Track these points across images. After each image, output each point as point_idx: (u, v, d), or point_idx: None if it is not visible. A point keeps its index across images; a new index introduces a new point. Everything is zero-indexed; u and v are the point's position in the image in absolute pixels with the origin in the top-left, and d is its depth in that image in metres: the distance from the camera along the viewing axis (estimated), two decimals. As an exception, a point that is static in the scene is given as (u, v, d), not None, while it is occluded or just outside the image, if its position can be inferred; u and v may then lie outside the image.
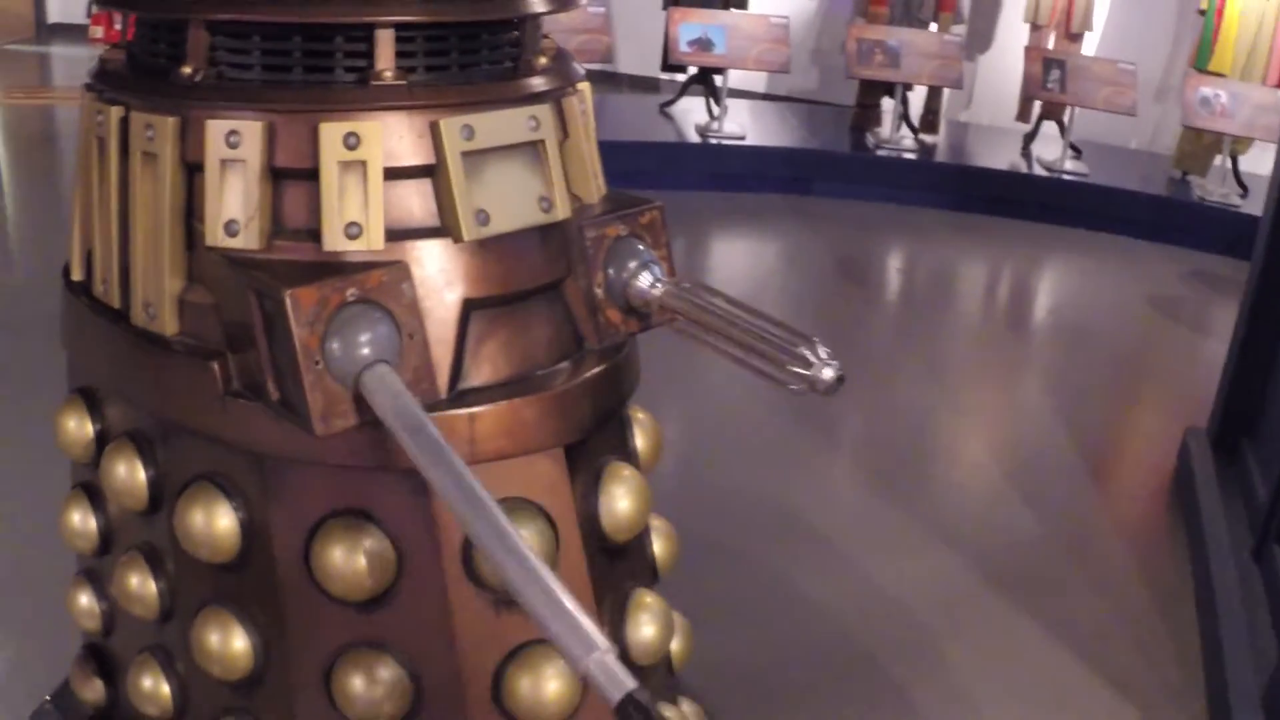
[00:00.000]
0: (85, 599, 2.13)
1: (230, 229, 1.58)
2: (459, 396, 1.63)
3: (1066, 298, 7.01)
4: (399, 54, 1.60)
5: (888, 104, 8.55)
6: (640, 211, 1.87)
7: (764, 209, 7.83)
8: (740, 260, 7.27)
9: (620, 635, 1.83)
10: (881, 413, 4.99)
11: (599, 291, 1.81)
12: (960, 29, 8.68)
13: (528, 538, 1.63)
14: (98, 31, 10.36)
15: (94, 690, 2.21)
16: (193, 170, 1.60)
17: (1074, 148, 7.98)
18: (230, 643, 1.74)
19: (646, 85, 10.61)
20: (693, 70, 8.90)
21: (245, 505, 1.69)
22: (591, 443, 1.80)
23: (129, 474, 1.82)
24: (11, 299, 5.51)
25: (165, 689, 1.93)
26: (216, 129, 1.55)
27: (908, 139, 8.37)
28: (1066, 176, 7.82)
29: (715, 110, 8.62)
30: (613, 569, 1.83)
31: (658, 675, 1.97)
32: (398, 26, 1.57)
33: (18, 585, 3.12)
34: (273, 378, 1.54)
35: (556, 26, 8.18)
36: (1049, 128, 8.24)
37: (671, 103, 9.09)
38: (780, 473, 4.26)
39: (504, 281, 1.66)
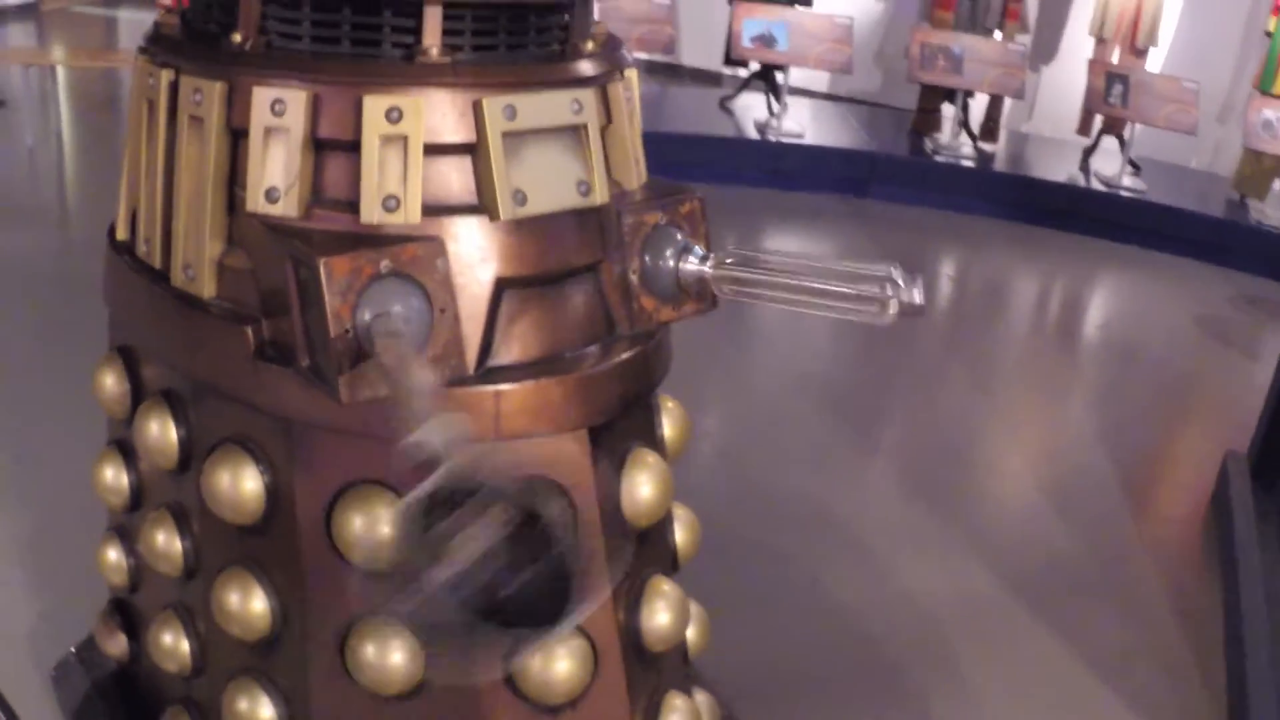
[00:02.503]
0: (114, 554, 2.17)
1: (271, 196, 1.60)
2: (487, 374, 1.64)
3: (1116, 314, 6.94)
4: (446, 32, 1.61)
5: (949, 110, 8.49)
6: (680, 200, 1.88)
7: (819, 209, 7.80)
8: (790, 259, 7.25)
9: (635, 620, 1.84)
10: (924, 420, 4.97)
11: (634, 278, 1.82)
12: (1025, 38, 8.59)
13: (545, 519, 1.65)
14: (166, -5, 10.47)
15: (117, 644, 2.25)
16: (237, 136, 1.62)
17: (1133, 164, 7.90)
18: (250, 603, 1.77)
19: (709, 79, 10.59)
20: (755, 66, 8.88)
21: (271, 469, 1.72)
22: (618, 427, 1.81)
23: (161, 432, 1.85)
24: (67, 257, 5.60)
25: (185, 646, 1.96)
26: (262, 96, 1.57)
27: (966, 146, 8.31)
28: (1124, 193, 7.73)
29: (775, 107, 8.60)
30: (630, 552, 1.84)
31: (671, 662, 1.98)
32: (446, 4, 1.59)
33: (52, 538, 3.16)
34: (304, 344, 1.56)
35: (619, 15, 8.20)
36: (1109, 142, 8.15)
37: (732, 98, 9.07)
38: (819, 472, 4.25)
39: (538, 262, 1.67)
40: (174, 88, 1.67)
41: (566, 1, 1.73)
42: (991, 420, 5.01)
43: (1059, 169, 8.15)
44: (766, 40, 8.30)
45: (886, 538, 3.82)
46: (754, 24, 8.29)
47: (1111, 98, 7.60)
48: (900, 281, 1.72)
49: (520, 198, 1.62)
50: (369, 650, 1.69)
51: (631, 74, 1.89)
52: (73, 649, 2.46)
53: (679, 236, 1.86)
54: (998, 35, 8.16)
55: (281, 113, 1.57)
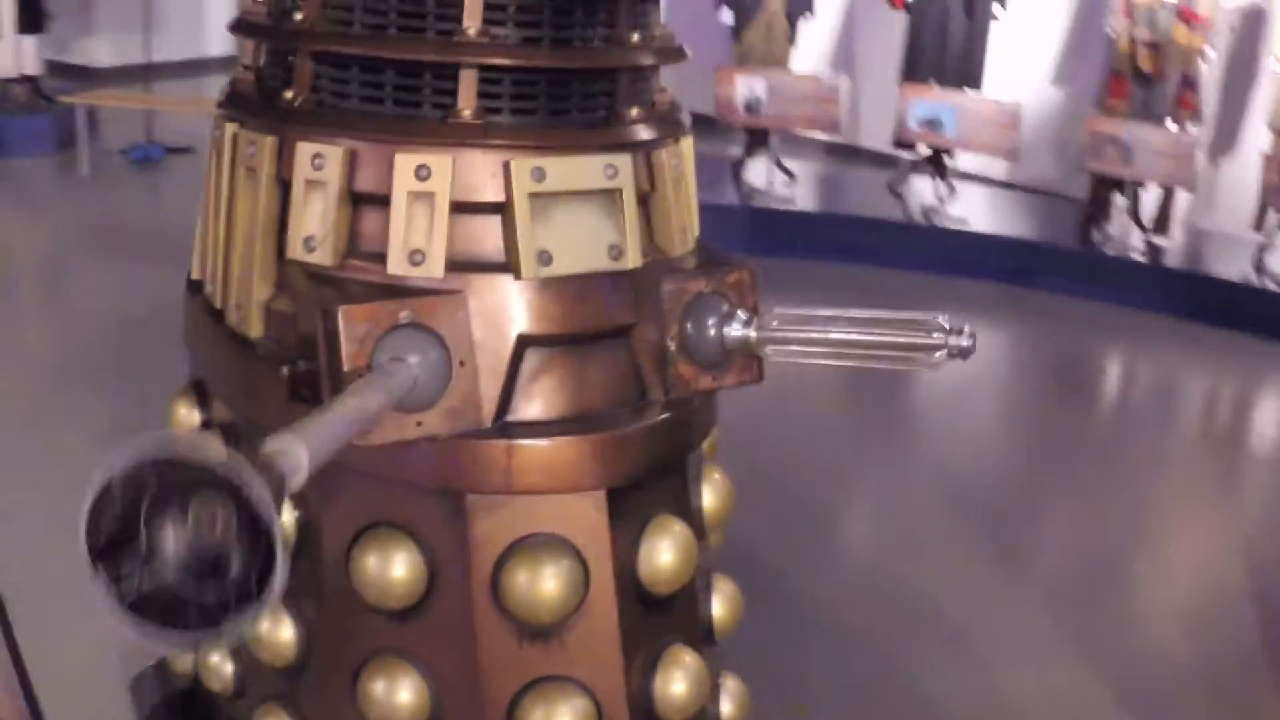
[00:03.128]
0: (181, 578, 2.27)
1: (309, 245, 1.68)
2: (503, 428, 1.68)
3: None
4: (485, 95, 1.68)
5: (1121, 201, 8.30)
6: (728, 270, 1.89)
7: (979, 297, 7.68)
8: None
9: (648, 687, 1.84)
10: (1065, 523, 4.84)
11: (672, 344, 1.83)
12: (1199, 128, 8.35)
13: (552, 574, 1.68)
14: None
15: (183, 663, 2.35)
16: (287, 187, 1.71)
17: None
18: (279, 631, 1.83)
19: (887, 162, 10.56)
20: (923, 150, 8.85)
21: (303, 504, 1.79)
22: (643, 491, 1.82)
23: (216, 463, 1.94)
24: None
25: (229, 669, 2.04)
26: (305, 151, 1.66)
27: (1137, 238, 8.10)
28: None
29: (942, 192, 8.54)
30: (650, 620, 1.85)
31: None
32: (483, 68, 1.65)
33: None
34: (327, 387, 1.62)
35: (788, 93, 8.27)
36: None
37: (899, 181, 9.05)
38: (942, 568, 4.16)
39: (563, 322, 1.71)
40: (235, 140, 1.77)
41: (609, 70, 1.77)
42: (1137, 528, 4.84)
43: (1232, 266, 7.87)
44: (933, 124, 8.27)
45: (992, 636, 3.73)
46: (922, 106, 8.27)
47: (1288, 194, 7.34)
48: (947, 326, 1.71)
49: (546, 258, 1.67)
50: (377, 688, 1.73)
51: (686, 142, 1.93)
52: (150, 665, 2.57)
53: (724, 305, 1.87)
54: (1171, 125, 7.95)
55: (321, 166, 1.65)
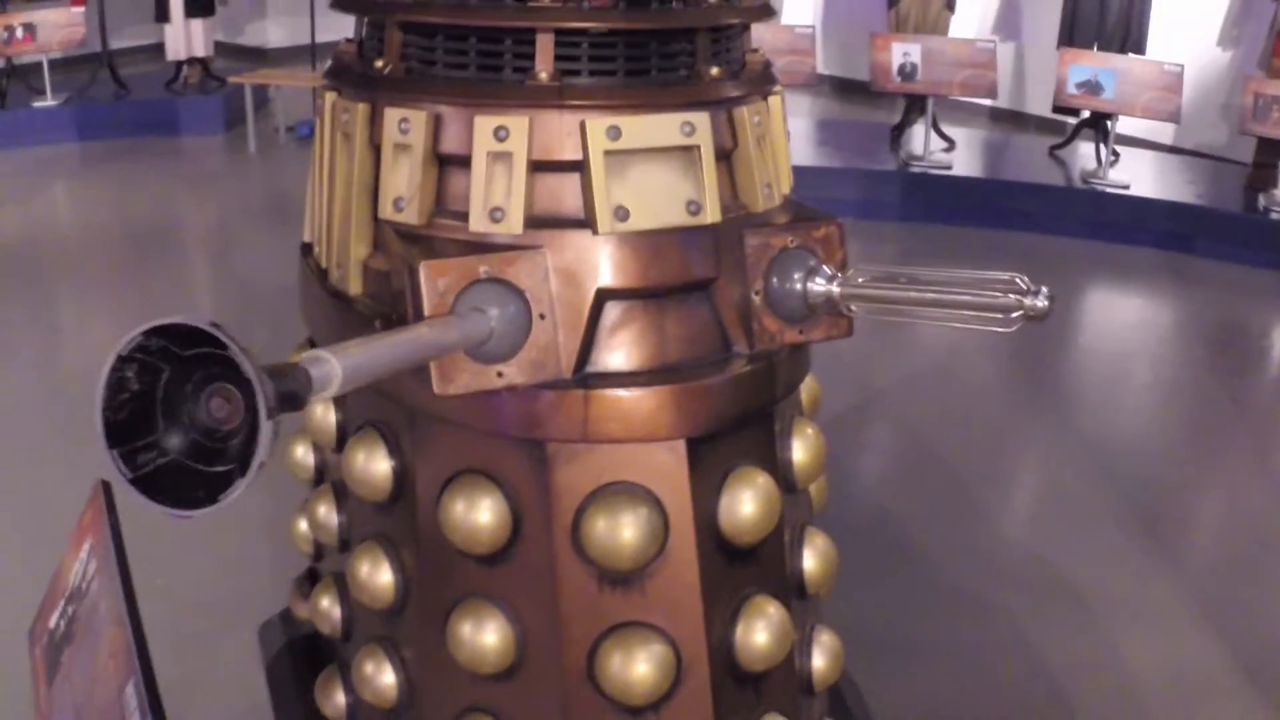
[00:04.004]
0: (303, 526, 2.39)
1: (398, 205, 1.76)
2: (583, 379, 1.74)
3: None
4: (563, 57, 1.73)
5: (1291, 165, 7.95)
6: (815, 225, 1.91)
7: (1139, 263, 7.46)
8: (1104, 316, 6.98)
9: (729, 636, 1.88)
10: (1213, 498, 4.69)
11: (756, 298, 1.86)
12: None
13: (630, 522, 1.73)
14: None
15: (305, 609, 2.47)
16: (380, 152, 1.79)
17: None
18: (377, 575, 1.93)
19: (1054, 127, 10.30)
20: (1085, 114, 8.62)
21: (399, 453, 1.87)
22: (726, 443, 1.86)
23: (323, 416, 2.05)
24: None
25: (338, 611, 2.15)
26: (392, 116, 1.74)
27: (1306, 203, 7.77)
28: None
29: (1103, 157, 8.31)
30: (731, 570, 1.89)
31: (775, 685, 2.00)
32: (559, 32, 1.71)
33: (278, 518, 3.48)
34: (415, 340, 1.70)
35: (943, 59, 8.14)
36: None
37: (1061, 146, 8.84)
38: (1068, 534, 4.10)
39: (641, 276, 1.75)
40: (334, 107, 1.86)
41: (688, 30, 1.80)
42: None
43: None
44: (1092, 87, 8.04)
45: (1117, 609, 3.65)
46: (1079, 70, 8.05)
47: None
48: (1025, 286, 1.71)
49: (622, 214, 1.72)
50: (465, 630, 1.81)
51: (775, 100, 1.95)
52: (277, 613, 2.71)
53: (810, 260, 1.89)
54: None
55: (407, 130, 1.73)
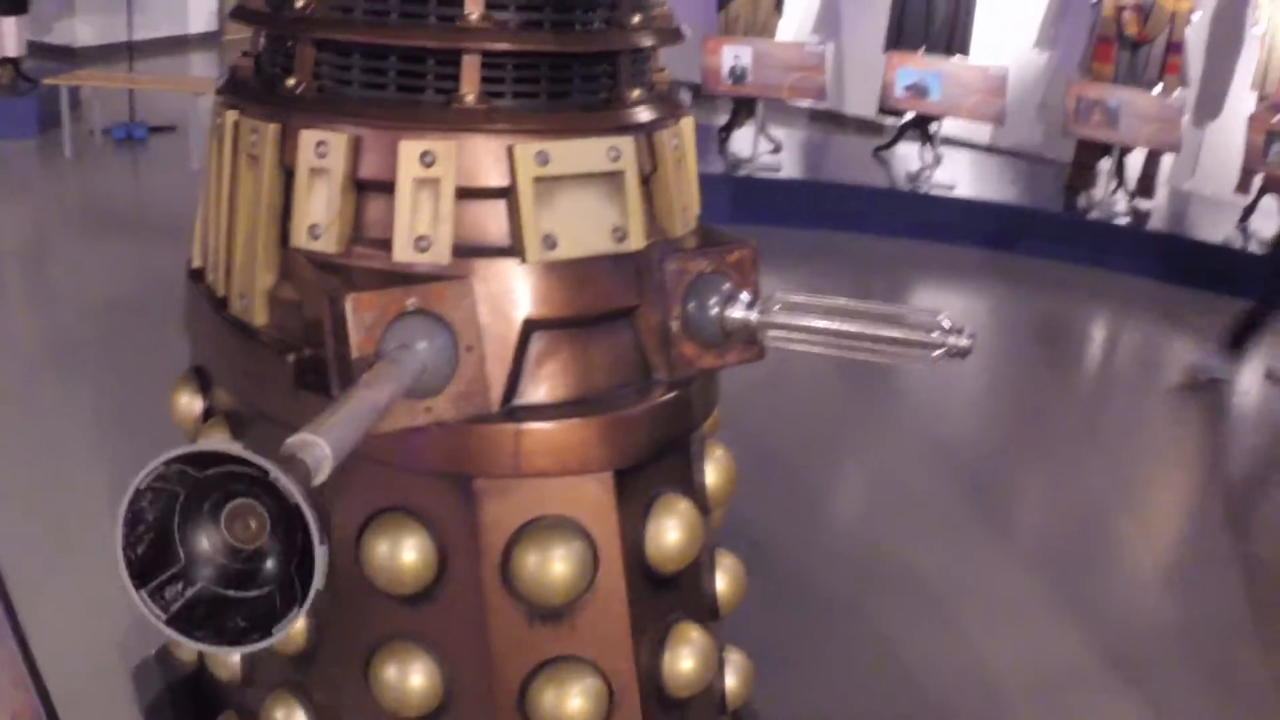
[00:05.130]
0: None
1: (313, 233, 1.68)
2: (511, 412, 1.69)
3: (1269, 387, 6.68)
4: (488, 79, 1.68)
5: (1107, 165, 8.30)
6: (729, 250, 1.89)
7: (965, 263, 7.70)
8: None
9: (657, 665, 1.85)
10: (1045, 488, 4.86)
11: (674, 324, 1.84)
12: (1185, 93, 8.34)
13: (561, 555, 1.69)
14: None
15: (187, 651, 2.36)
16: (290, 175, 1.71)
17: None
18: (287, 620, 1.84)
19: (872, 129, 10.54)
20: (909, 116, 8.85)
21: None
22: (648, 471, 1.83)
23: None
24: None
25: (236, 657, 2.05)
26: (308, 138, 1.66)
27: (1122, 203, 8.12)
28: (1284, 256, 7.44)
29: (928, 158, 8.54)
30: (657, 598, 1.86)
31: (699, 709, 1.98)
32: (486, 54, 1.65)
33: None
34: (335, 374, 1.62)
35: (772, 62, 8.25)
36: (1270, 202, 7.86)
37: (885, 147, 9.05)
38: (917, 530, 4.19)
39: (568, 305, 1.72)
40: (236, 127, 1.77)
41: (610, 53, 1.77)
42: (1121, 491, 4.86)
43: (1217, 230, 7.89)
44: (919, 90, 8.26)
45: (982, 607, 3.75)
46: (907, 73, 8.26)
47: (1271, 155, 7.34)
48: (947, 325, 1.73)
49: (551, 242, 1.67)
50: (389, 673, 1.74)
51: (686, 122, 1.93)
52: (153, 653, 2.58)
53: (725, 285, 1.87)
54: (1157, 90, 7.96)
55: (325, 154, 1.65)
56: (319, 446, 1.17)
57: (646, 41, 1.83)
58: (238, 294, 1.81)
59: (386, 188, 1.65)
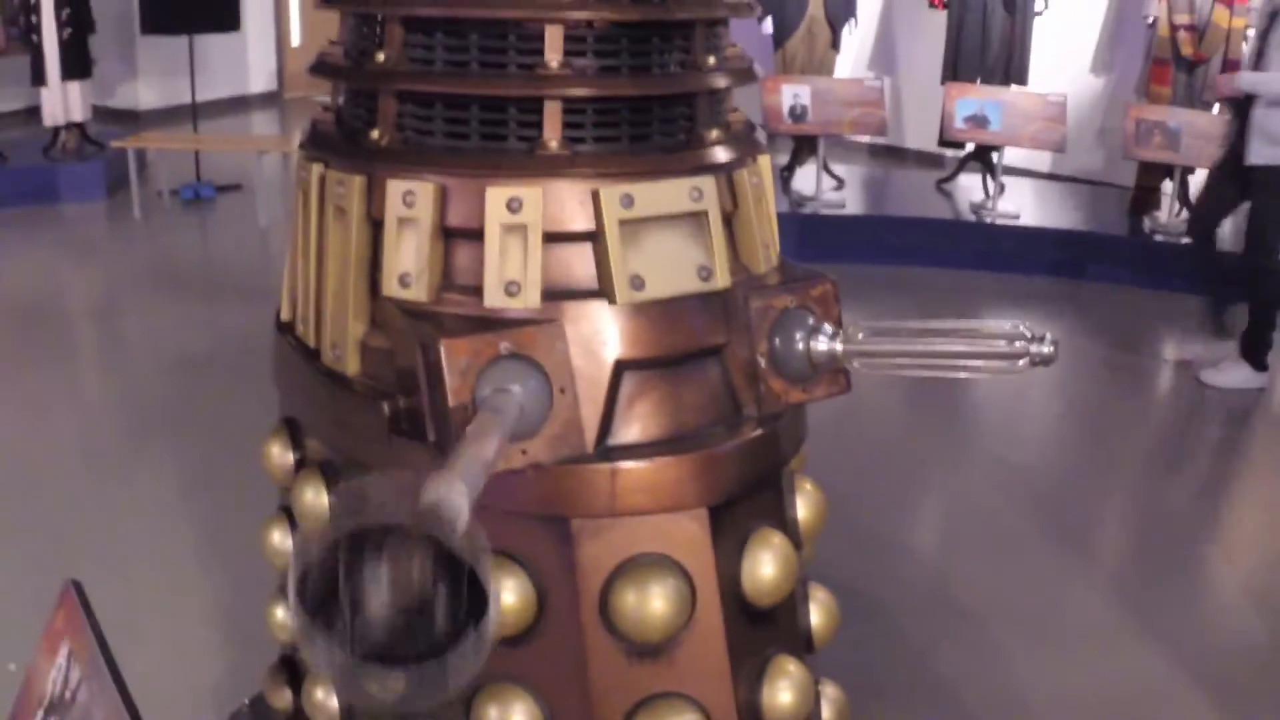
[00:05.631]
0: (280, 612, 2.30)
1: (404, 281, 1.71)
2: (605, 452, 1.70)
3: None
4: (569, 125, 1.70)
5: (1169, 187, 8.23)
6: (811, 284, 1.90)
7: (1033, 292, 7.65)
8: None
9: (756, 698, 1.85)
10: (1125, 508, 4.81)
11: (761, 360, 1.85)
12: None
13: (660, 593, 1.70)
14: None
15: (283, 698, 2.38)
16: (377, 225, 1.74)
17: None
18: (387, 666, 1.85)
19: (932, 161, 10.52)
20: (970, 147, 8.83)
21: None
22: (742, 506, 1.84)
23: (314, 498, 1.97)
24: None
25: (334, 703, 2.06)
26: (395, 189, 1.69)
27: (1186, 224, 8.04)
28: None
29: (991, 188, 8.51)
30: (754, 633, 1.86)
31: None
32: (566, 100, 1.68)
33: (242, 602, 3.36)
34: (431, 420, 1.64)
35: (832, 98, 8.27)
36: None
37: (948, 179, 9.04)
38: (998, 559, 4.16)
39: (658, 345, 1.73)
40: (323, 180, 1.80)
41: (687, 95, 1.79)
42: (1197, 514, 4.80)
43: (1284, 246, 7.78)
44: (979, 120, 8.24)
45: (1058, 630, 3.71)
46: (966, 104, 8.25)
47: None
48: (1029, 335, 1.72)
49: (638, 283, 1.69)
50: (490, 714, 1.75)
51: (764, 160, 1.94)
52: (246, 701, 2.61)
53: (809, 319, 1.88)
54: (1216, 109, 7.88)
55: (412, 204, 1.68)
56: (457, 500, 1.17)
57: (722, 82, 1.85)
58: (329, 344, 1.84)
59: (475, 235, 1.68)
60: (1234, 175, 6.34)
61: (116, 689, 1.89)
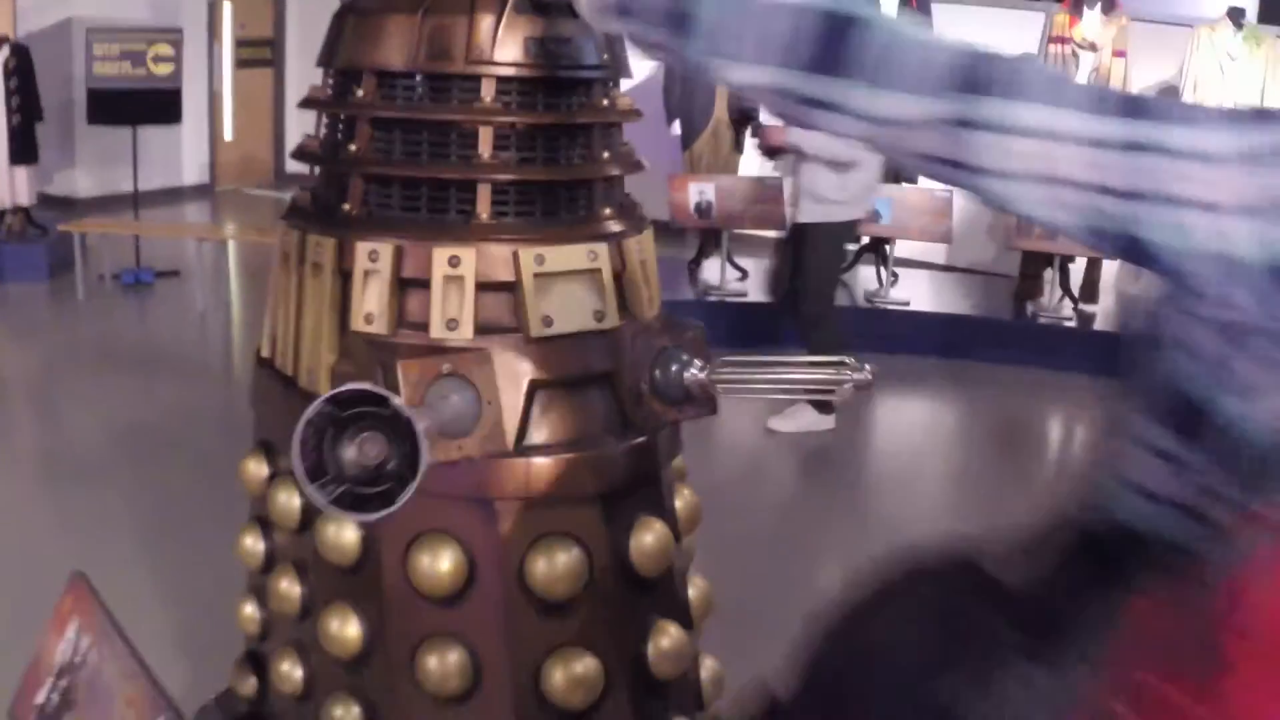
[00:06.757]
0: (249, 608, 2.75)
1: (368, 319, 2.22)
2: (523, 450, 2.21)
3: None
4: (497, 201, 2.24)
5: (1049, 275, 8.95)
6: (685, 329, 2.43)
7: (923, 371, 8.26)
8: (895, 419, 7.72)
9: (643, 652, 2.34)
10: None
11: (644, 387, 2.37)
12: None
13: (564, 562, 2.20)
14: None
15: (248, 686, 2.82)
16: (346, 277, 2.25)
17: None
18: (346, 628, 2.33)
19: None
20: (864, 239, 9.52)
21: (365, 523, 2.29)
22: (629, 498, 2.35)
23: (287, 501, 2.45)
24: (232, 407, 6.39)
25: (299, 672, 2.52)
26: (362, 248, 2.21)
27: (1067, 308, 8.74)
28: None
29: (884, 277, 9.18)
30: (641, 599, 2.36)
31: (678, 693, 2.47)
32: (495, 183, 2.22)
33: (213, 606, 3.77)
34: (387, 426, 2.14)
35: (734, 196, 8.90)
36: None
37: (845, 270, 9.70)
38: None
39: (562, 370, 2.25)
40: (302, 243, 2.32)
41: (586, 180, 2.34)
42: None
43: (1156, 329, 8.50)
44: (872, 215, 8.91)
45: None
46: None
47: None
48: (851, 364, 2.25)
49: (548, 321, 2.21)
50: (431, 662, 2.23)
51: (647, 233, 2.49)
52: (213, 697, 3.03)
53: (683, 355, 2.41)
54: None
55: (376, 260, 2.19)
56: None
57: (614, 171, 2.40)
58: (305, 370, 2.34)
59: (423, 284, 2.19)
60: (792, 235, 6.88)
61: (126, 648, 2.33)
